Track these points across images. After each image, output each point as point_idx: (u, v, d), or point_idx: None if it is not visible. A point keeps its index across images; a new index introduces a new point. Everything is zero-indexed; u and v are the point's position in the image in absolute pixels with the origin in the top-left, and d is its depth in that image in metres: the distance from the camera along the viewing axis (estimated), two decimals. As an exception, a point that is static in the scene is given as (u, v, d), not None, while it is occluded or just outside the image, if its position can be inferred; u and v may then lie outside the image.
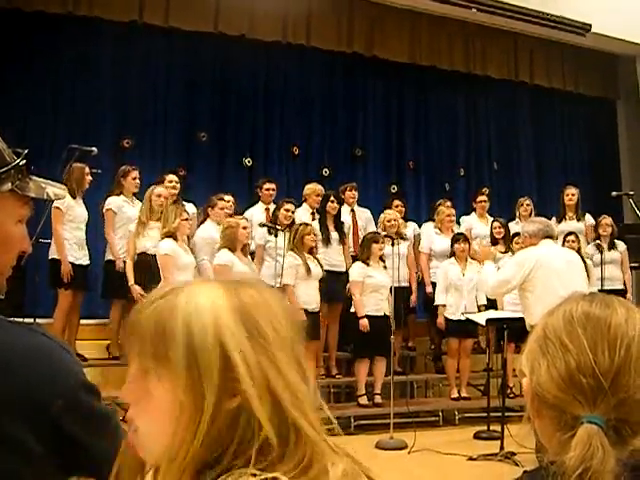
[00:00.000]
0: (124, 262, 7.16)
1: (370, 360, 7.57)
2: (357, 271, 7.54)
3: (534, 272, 5.61)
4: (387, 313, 7.46)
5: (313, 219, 8.07)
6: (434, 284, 8.38)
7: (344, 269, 7.94)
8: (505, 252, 8.32)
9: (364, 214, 8.72)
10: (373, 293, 7.52)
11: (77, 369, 1.13)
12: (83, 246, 7.16)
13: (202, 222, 7.58)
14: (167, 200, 7.03)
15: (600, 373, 1.06)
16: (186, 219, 6.59)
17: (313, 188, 8.36)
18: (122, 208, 7.34)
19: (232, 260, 6.76)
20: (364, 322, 7.37)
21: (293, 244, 7.34)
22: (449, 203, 8.96)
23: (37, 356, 1.10)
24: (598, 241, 8.60)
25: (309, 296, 7.23)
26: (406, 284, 8.27)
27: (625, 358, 1.07)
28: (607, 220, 8.73)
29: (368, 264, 7.53)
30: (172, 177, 7.68)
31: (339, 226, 8.20)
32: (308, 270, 7.26)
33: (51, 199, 1.29)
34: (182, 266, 6.45)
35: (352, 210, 8.67)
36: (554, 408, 1.09)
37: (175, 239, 6.51)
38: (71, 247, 7.01)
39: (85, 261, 7.18)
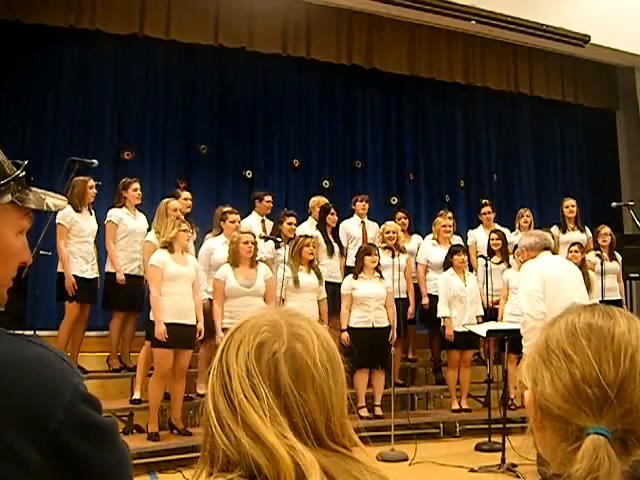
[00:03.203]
0: (125, 275, 7.18)
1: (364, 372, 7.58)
2: (345, 284, 7.68)
3: (544, 279, 5.59)
4: (377, 325, 7.49)
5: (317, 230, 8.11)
6: (430, 296, 8.38)
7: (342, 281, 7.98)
8: (500, 263, 8.31)
9: (373, 226, 8.70)
10: (360, 305, 7.57)
11: (76, 380, 1.12)
12: (89, 259, 7.14)
13: (218, 234, 7.58)
14: (182, 214, 7.10)
15: (606, 383, 1.06)
16: (185, 230, 6.58)
17: (317, 201, 8.38)
18: (123, 220, 7.33)
19: (226, 275, 6.86)
20: (344, 335, 7.43)
21: (290, 256, 7.37)
22: (450, 214, 8.97)
23: (35, 367, 1.09)
24: (598, 251, 8.57)
25: (302, 308, 7.21)
26: (404, 296, 8.23)
27: (630, 368, 1.07)
28: (606, 230, 8.71)
29: (357, 276, 7.59)
30: (187, 194, 7.75)
31: (337, 238, 8.23)
32: (296, 282, 7.28)
33: (51, 210, 1.29)
34: (169, 277, 6.41)
35: (362, 222, 8.68)
36: (559, 419, 1.08)
37: (171, 250, 6.50)
38: (77, 261, 7.01)
39: (91, 274, 7.15)
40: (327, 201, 8.44)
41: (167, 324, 6.33)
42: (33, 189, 1.25)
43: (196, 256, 7.51)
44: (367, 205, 8.74)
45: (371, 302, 7.55)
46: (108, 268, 7.33)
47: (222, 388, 1.10)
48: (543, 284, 5.57)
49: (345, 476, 1.06)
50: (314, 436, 1.08)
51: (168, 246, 6.50)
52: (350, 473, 1.07)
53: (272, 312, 1.19)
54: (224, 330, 6.67)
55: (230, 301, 6.84)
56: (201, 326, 6.61)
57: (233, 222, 7.43)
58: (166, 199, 7.23)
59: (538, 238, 5.93)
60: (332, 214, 8.17)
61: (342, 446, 1.11)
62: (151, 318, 6.43)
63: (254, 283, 6.92)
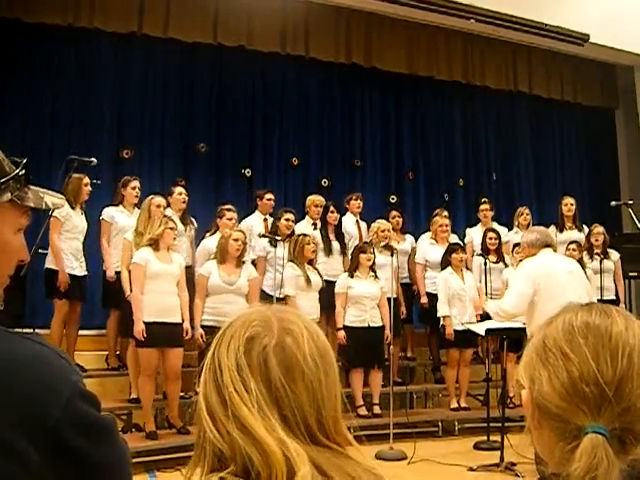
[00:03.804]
0: (116, 272, 7.14)
1: (363, 371, 7.56)
2: (339, 283, 7.65)
3: (538, 281, 5.58)
4: (372, 324, 7.49)
5: (315, 229, 8.09)
6: (429, 295, 8.39)
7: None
8: (497, 262, 8.31)
9: (364, 226, 8.69)
10: (355, 304, 7.56)
11: (75, 378, 1.12)
12: (79, 257, 7.12)
13: (214, 232, 7.57)
14: (165, 210, 7.05)
15: (604, 382, 1.06)
16: (172, 228, 6.56)
17: (312, 199, 8.37)
18: (115, 218, 7.31)
19: (210, 271, 6.83)
20: (340, 334, 7.43)
21: (293, 255, 7.36)
22: (445, 213, 8.96)
23: (34, 365, 1.10)
24: (592, 251, 8.55)
25: (310, 307, 7.23)
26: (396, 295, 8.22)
27: (627, 367, 1.07)
28: (599, 229, 8.68)
29: (353, 275, 7.57)
30: (181, 189, 7.70)
31: (340, 236, 8.23)
32: (308, 281, 7.29)
33: (50, 208, 1.30)
34: (152, 275, 6.37)
35: (357, 220, 8.67)
36: (557, 418, 1.09)
37: (157, 247, 6.47)
38: (66, 257, 6.97)
39: (80, 272, 7.12)
40: (322, 199, 8.40)
41: (149, 323, 6.29)
42: (32, 187, 1.26)
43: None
44: (361, 203, 8.74)
45: (367, 301, 7.55)
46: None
47: (214, 382, 1.11)
48: (534, 286, 5.57)
49: (337, 472, 1.06)
50: (305, 431, 1.09)
51: (153, 244, 6.47)
52: (343, 469, 1.07)
53: (264, 308, 1.20)
54: (203, 327, 6.68)
55: (211, 298, 6.80)
56: (187, 325, 6.58)
57: (230, 219, 7.42)
58: (151, 195, 7.14)
59: (539, 234, 5.90)
60: (332, 212, 8.17)
61: (335, 443, 1.12)
62: (132, 316, 6.41)
63: (237, 281, 6.86)
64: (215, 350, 1.15)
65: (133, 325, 6.43)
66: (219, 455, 1.07)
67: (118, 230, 7.28)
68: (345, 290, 7.56)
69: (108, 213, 7.32)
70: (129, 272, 6.60)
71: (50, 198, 1.29)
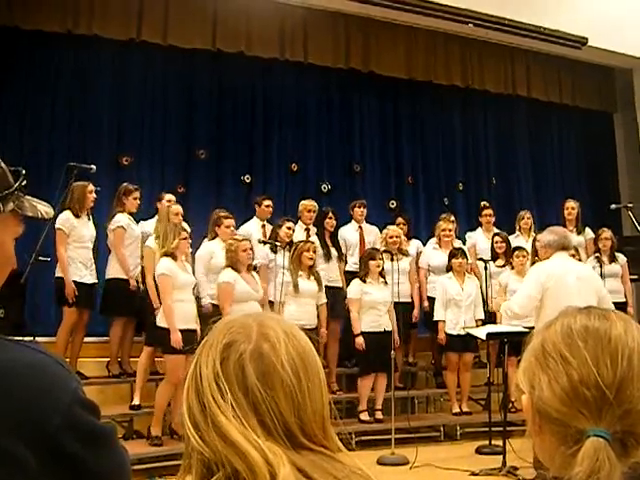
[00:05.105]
0: (137, 281, 7.21)
1: (373, 376, 7.57)
2: (354, 288, 7.60)
3: (546, 286, 5.56)
4: (387, 329, 7.49)
5: (308, 235, 8.07)
6: (431, 299, 8.39)
7: (342, 285, 7.97)
8: (503, 266, 8.31)
9: (373, 231, 8.68)
10: (371, 310, 7.54)
11: (74, 385, 1.13)
12: (88, 265, 7.12)
13: (212, 239, 7.55)
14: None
15: (604, 385, 1.06)
16: (185, 238, 6.59)
17: (305, 205, 8.34)
18: (130, 226, 7.35)
19: (235, 278, 6.81)
20: (359, 340, 7.43)
21: (291, 261, 7.37)
22: (452, 218, 8.94)
23: (34, 372, 1.10)
24: (598, 254, 8.55)
25: (301, 313, 7.21)
26: (407, 300, 8.25)
27: (627, 369, 1.07)
28: (606, 234, 8.65)
29: (365, 281, 7.55)
30: (170, 196, 7.72)
31: (336, 242, 8.22)
32: (295, 287, 7.28)
33: (44, 218, 1.32)
34: (180, 285, 6.45)
35: (360, 227, 8.67)
36: (557, 423, 1.08)
37: (174, 258, 6.51)
38: (76, 266, 6.99)
39: (90, 280, 7.13)
40: (314, 204, 8.37)
41: (181, 330, 6.36)
42: (26, 197, 1.28)
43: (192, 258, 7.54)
44: (365, 211, 8.73)
45: (381, 307, 7.55)
46: (110, 274, 7.33)
47: (195, 390, 1.11)
48: (542, 290, 5.57)
49: (321, 474, 1.05)
50: (286, 436, 1.08)
51: (171, 255, 6.51)
52: (327, 472, 1.06)
53: (246, 314, 1.21)
54: None
55: (240, 305, 6.74)
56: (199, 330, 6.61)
57: (228, 227, 7.42)
58: (167, 202, 7.24)
59: (557, 236, 5.86)
60: (330, 218, 8.16)
61: (321, 446, 1.11)
62: (159, 325, 6.42)
63: (259, 288, 6.98)
64: (198, 358, 1.15)
65: (157, 333, 6.48)
66: (206, 463, 1.06)
67: (133, 238, 7.34)
68: (360, 296, 7.53)
69: (124, 221, 7.31)
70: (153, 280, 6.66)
71: (42, 207, 1.32)
